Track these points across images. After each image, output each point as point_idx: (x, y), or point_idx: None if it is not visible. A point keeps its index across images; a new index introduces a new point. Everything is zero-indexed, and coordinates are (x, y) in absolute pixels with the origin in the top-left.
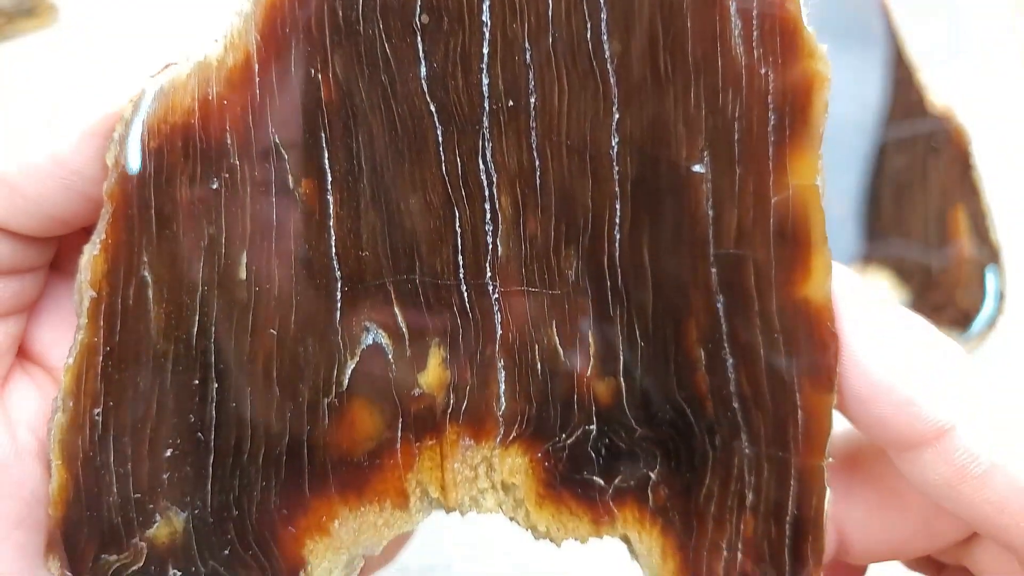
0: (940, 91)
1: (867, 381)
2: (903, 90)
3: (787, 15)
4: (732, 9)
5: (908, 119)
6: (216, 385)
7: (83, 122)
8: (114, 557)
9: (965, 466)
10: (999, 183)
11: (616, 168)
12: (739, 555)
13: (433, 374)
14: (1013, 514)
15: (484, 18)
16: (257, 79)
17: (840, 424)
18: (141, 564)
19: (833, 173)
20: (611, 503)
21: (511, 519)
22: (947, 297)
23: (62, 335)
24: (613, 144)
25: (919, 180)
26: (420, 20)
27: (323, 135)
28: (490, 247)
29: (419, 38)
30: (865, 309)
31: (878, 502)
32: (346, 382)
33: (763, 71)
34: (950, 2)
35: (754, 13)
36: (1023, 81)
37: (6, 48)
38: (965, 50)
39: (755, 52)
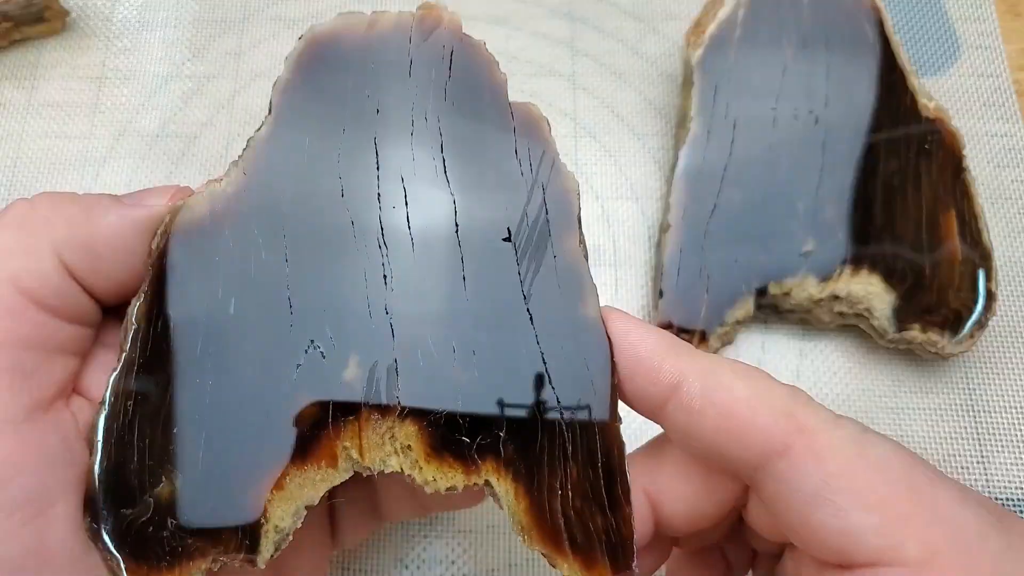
0: (932, 95)
1: (629, 362)
2: (895, 94)
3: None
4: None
5: (900, 122)
6: (211, 382)
7: (139, 223)
8: (129, 511)
9: (689, 405)
10: (990, 186)
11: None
12: (570, 494)
13: (351, 373)
14: (727, 433)
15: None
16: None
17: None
18: (148, 516)
19: (826, 176)
20: (476, 457)
21: (409, 475)
22: (939, 299)
23: (101, 378)
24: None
25: (911, 183)
26: None
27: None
28: (387, 292)
29: None
30: (624, 319)
31: (673, 475)
32: (295, 380)
33: (540, 186)
34: (942, 6)
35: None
36: (1014, 84)
37: (12, 56)
38: (957, 54)
39: (537, 178)
